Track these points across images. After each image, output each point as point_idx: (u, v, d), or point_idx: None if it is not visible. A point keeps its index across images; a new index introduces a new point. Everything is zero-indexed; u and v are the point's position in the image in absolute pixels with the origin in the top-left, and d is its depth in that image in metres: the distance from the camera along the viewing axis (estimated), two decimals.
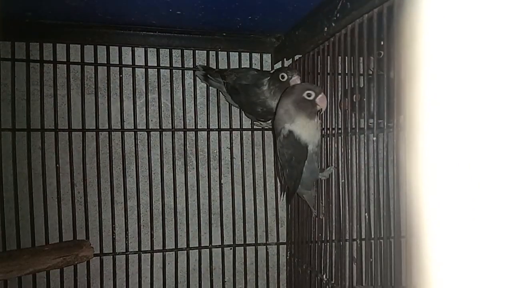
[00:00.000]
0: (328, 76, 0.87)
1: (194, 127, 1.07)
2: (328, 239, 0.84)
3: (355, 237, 0.75)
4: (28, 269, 0.86)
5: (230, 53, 1.09)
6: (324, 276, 0.85)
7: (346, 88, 0.79)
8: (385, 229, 0.69)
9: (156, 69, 1.05)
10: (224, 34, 1.05)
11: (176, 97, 1.06)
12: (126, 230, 1.02)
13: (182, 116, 1.07)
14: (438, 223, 0.25)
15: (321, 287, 0.87)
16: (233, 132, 1.10)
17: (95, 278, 1.01)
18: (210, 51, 1.07)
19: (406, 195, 0.56)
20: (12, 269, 0.84)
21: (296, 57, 1.04)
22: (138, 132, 1.04)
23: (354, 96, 0.75)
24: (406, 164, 0.59)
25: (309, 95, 0.81)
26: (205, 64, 1.07)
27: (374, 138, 0.68)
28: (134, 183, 1.03)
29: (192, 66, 1.07)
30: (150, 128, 1.04)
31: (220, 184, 1.09)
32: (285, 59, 1.08)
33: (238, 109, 1.08)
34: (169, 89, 1.06)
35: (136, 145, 1.03)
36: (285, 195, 0.97)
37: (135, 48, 1.03)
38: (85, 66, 1.00)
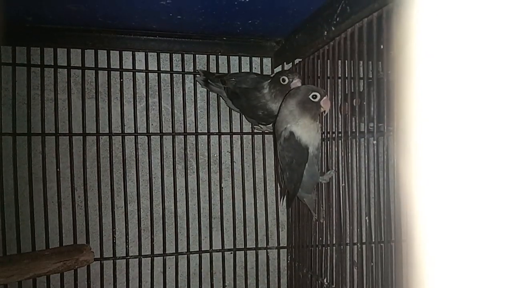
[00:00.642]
0: (328, 80, 0.87)
1: (194, 131, 1.07)
2: (328, 243, 0.84)
3: (355, 241, 0.75)
4: (28, 274, 0.86)
5: (231, 57, 1.09)
6: (325, 280, 0.85)
7: (346, 92, 0.79)
8: (386, 233, 0.69)
9: (156, 73, 1.05)
10: (224, 38, 1.06)
11: (177, 101, 1.06)
12: (127, 234, 1.02)
13: (182, 120, 1.07)
14: (431, 226, 0.25)
15: None
16: (234, 136, 1.10)
17: (96, 283, 1.00)
18: (210, 55, 1.08)
19: (401, 198, 0.56)
20: (13, 273, 0.84)
21: (296, 61, 1.04)
22: (138, 136, 1.04)
23: (354, 100, 0.75)
24: (399, 167, 0.59)
25: (314, 96, 0.81)
26: (206, 69, 1.07)
27: (375, 142, 0.68)
28: (134, 187, 1.03)
29: (192, 70, 1.07)
30: (150, 132, 1.04)
31: (221, 188, 1.09)
32: (285, 63, 1.08)
33: (239, 113, 1.09)
34: (170, 93, 1.06)
35: (136, 149, 1.03)
36: (285, 199, 0.97)
37: (136, 52, 1.03)
38: (86, 70, 1.00)
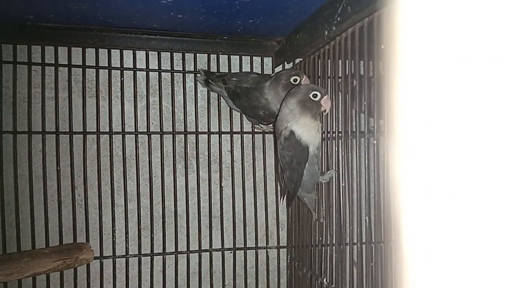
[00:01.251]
0: (329, 79, 0.87)
1: (194, 130, 1.07)
2: (328, 242, 0.84)
3: (355, 240, 0.75)
4: (28, 272, 0.86)
5: (231, 56, 1.09)
6: (325, 280, 0.85)
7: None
8: (386, 232, 0.69)
9: (157, 72, 1.05)
10: (225, 37, 1.06)
11: (177, 100, 1.06)
12: (126, 233, 1.02)
13: (183, 119, 1.07)
14: (417, 228, 0.25)
15: None
16: (234, 135, 1.10)
17: (95, 281, 1.01)
18: (211, 55, 1.08)
19: (393, 198, 0.56)
20: (12, 271, 0.84)
21: (297, 60, 1.04)
22: (139, 135, 1.04)
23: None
24: (390, 166, 0.60)
25: (315, 95, 0.81)
26: (206, 68, 1.07)
27: (375, 142, 0.68)
28: (134, 186, 1.03)
29: (193, 70, 1.07)
30: (151, 131, 1.04)
31: (221, 187, 1.09)
32: (286, 63, 1.08)
33: (239, 113, 1.09)
34: (170, 92, 1.06)
35: (137, 148, 1.03)
36: (285, 199, 0.96)
37: (137, 51, 1.03)
38: (87, 69, 1.00)
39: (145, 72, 1.04)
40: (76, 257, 0.91)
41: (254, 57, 1.10)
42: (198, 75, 1.05)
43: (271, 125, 1.05)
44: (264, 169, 1.12)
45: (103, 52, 1.01)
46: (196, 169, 1.08)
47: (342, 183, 0.78)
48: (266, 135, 1.12)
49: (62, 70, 0.99)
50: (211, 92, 1.08)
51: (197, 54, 1.07)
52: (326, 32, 0.78)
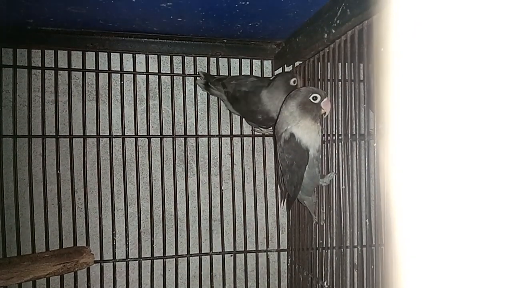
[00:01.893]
0: (329, 82, 0.87)
1: (194, 134, 1.07)
2: (329, 245, 0.84)
3: (356, 243, 0.74)
4: (28, 276, 0.86)
5: (231, 59, 1.09)
6: (325, 283, 0.85)
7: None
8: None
9: (157, 76, 1.05)
10: (225, 40, 1.06)
11: (177, 103, 1.06)
12: (127, 236, 1.02)
13: (182, 123, 1.07)
14: (417, 230, 0.25)
15: None
16: (234, 138, 1.10)
17: (95, 285, 1.00)
18: (211, 58, 1.08)
19: (388, 201, 0.56)
20: (12, 275, 0.84)
21: (297, 63, 1.04)
22: (139, 139, 1.04)
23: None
24: (383, 168, 0.60)
25: (314, 98, 0.81)
26: (206, 71, 1.07)
27: (375, 144, 0.68)
28: (134, 190, 1.03)
29: (193, 73, 1.07)
30: (151, 134, 1.04)
31: (221, 190, 1.09)
32: (285, 65, 1.08)
33: (239, 116, 1.09)
34: (170, 95, 1.06)
35: (137, 151, 1.03)
36: (285, 202, 0.96)
37: (136, 54, 1.03)
38: (86, 72, 1.00)
39: (145, 76, 1.04)
40: (76, 261, 0.91)
41: (253, 60, 1.11)
42: (198, 78, 1.05)
43: (271, 128, 1.05)
44: (264, 172, 1.12)
45: (103, 56, 1.01)
46: (196, 172, 1.07)
47: (343, 186, 0.78)
48: (266, 138, 1.12)
49: (62, 74, 0.99)
50: (211, 95, 1.08)
51: (197, 57, 1.07)
52: (326, 35, 0.78)
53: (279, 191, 1.12)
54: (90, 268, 0.98)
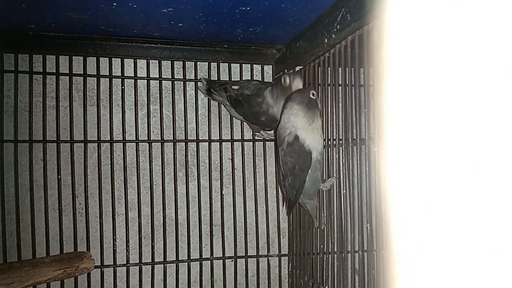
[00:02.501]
0: (329, 87, 0.87)
1: (195, 138, 1.07)
2: (330, 250, 0.84)
3: (357, 248, 0.74)
4: (28, 281, 0.85)
5: (232, 64, 1.09)
6: None
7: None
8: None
9: (158, 81, 1.05)
10: (226, 45, 1.06)
11: (178, 108, 1.07)
12: (127, 241, 1.02)
13: (183, 127, 1.07)
14: (418, 235, 0.25)
15: None
16: (235, 143, 1.10)
17: None
18: (211, 63, 1.08)
19: (389, 206, 0.57)
20: (13, 281, 0.84)
21: (297, 68, 1.04)
22: (139, 143, 1.04)
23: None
24: (383, 175, 0.60)
25: (313, 94, 0.84)
26: (207, 76, 1.07)
27: (375, 149, 0.68)
28: (135, 194, 1.03)
29: (193, 78, 1.07)
30: (151, 139, 1.04)
31: (222, 195, 1.09)
32: (286, 70, 1.08)
33: (240, 120, 1.09)
34: (171, 100, 1.06)
35: (137, 156, 1.03)
36: (286, 206, 0.96)
37: (137, 60, 1.03)
38: (88, 77, 1.01)
39: (146, 81, 1.05)
40: (76, 266, 0.91)
41: (254, 65, 1.11)
42: (200, 84, 1.05)
43: (272, 132, 1.05)
44: (265, 177, 1.12)
45: (104, 61, 1.02)
46: (197, 177, 1.07)
47: (343, 190, 0.78)
48: (267, 142, 1.13)
49: (63, 79, 1.00)
50: (211, 100, 1.08)
51: (198, 63, 1.07)
52: (326, 40, 0.78)
53: (280, 195, 1.12)
54: (90, 273, 0.98)
